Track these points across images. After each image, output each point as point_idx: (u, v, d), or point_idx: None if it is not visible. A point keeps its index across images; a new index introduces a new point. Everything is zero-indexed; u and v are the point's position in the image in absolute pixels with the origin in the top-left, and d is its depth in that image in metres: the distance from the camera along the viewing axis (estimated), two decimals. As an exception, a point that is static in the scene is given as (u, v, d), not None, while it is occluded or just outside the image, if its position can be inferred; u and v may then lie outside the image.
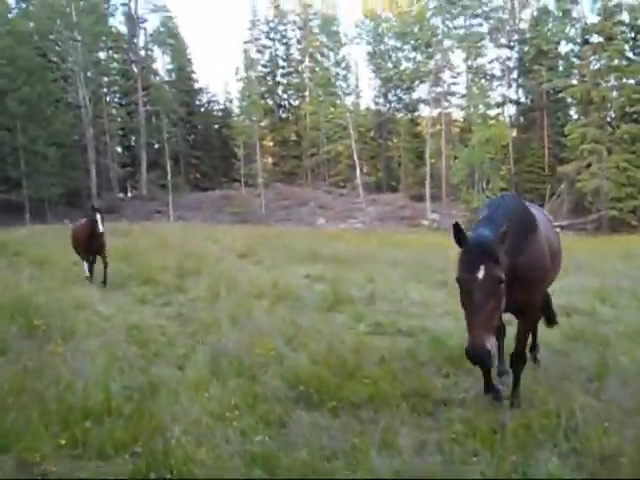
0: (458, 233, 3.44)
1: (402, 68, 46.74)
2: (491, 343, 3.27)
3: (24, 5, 43.19)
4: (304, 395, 4.40)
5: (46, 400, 4.01)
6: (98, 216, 10.00)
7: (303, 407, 4.23)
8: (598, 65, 36.15)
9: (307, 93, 48.85)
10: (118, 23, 45.35)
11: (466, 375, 4.88)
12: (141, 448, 3.37)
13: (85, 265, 10.41)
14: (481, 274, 3.30)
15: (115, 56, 44.45)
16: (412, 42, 45.11)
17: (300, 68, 49.59)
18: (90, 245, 10.20)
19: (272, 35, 48.90)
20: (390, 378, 4.70)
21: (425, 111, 46.86)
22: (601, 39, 35.47)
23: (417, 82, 45.99)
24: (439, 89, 44.15)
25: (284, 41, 49.41)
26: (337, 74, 46.50)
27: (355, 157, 42.02)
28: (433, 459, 3.32)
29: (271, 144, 49.60)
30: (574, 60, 40.80)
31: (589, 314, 7.65)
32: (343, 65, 46.80)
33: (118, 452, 3.38)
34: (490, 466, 3.21)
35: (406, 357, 5.48)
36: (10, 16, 41.13)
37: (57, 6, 39.30)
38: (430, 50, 43.03)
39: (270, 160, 50.30)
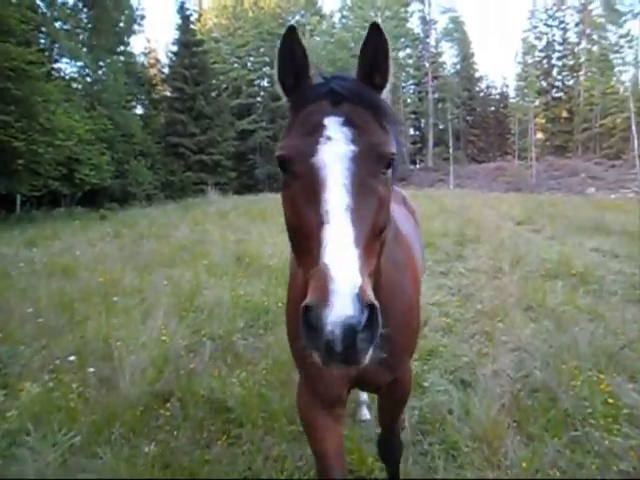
0: None
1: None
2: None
3: (344, 20, 54.86)
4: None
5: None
6: None
7: None
8: None
9: (582, 72, 50.16)
10: (415, 26, 53.14)
11: None
12: None
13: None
14: None
15: (410, 53, 52.53)
16: None
17: (576, 50, 51.52)
18: None
19: (550, 22, 52.37)
20: None
21: None
22: None
23: None
24: None
25: (561, 26, 52.28)
26: (617, 49, 45.56)
27: (633, 129, 41.37)
28: None
29: (543, 121, 53.01)
30: None
31: None
32: (624, 40, 45.06)
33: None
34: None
35: None
36: (334, 30, 53.58)
37: (367, 17, 49.49)
38: None
39: (542, 136, 53.56)
